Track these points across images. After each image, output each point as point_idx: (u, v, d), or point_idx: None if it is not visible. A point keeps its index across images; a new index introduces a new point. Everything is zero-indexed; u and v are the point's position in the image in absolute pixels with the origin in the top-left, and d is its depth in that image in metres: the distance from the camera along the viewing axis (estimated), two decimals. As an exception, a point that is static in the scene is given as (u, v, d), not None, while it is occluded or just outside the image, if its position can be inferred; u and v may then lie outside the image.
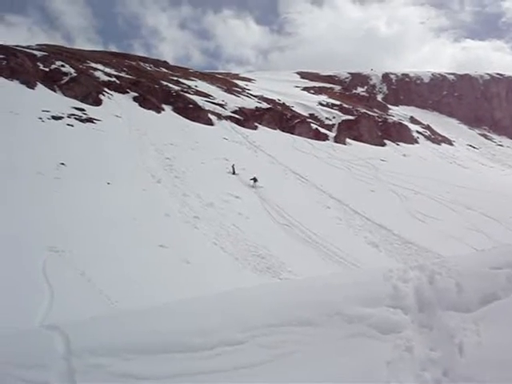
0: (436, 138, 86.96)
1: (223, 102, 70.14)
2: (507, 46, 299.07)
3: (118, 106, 57.02)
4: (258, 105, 73.16)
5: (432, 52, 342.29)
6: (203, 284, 19.13)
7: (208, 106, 66.38)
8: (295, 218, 33.10)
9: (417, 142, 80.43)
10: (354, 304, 6.59)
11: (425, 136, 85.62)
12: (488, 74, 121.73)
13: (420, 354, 5.88)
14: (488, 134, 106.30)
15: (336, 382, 5.34)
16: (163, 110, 61.67)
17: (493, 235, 33.40)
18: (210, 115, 63.86)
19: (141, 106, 60.39)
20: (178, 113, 61.84)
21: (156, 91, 66.05)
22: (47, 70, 58.90)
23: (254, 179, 39.26)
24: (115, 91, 62.08)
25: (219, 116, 65.24)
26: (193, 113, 62.36)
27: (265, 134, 63.18)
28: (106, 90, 60.84)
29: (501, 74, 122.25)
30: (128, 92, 63.15)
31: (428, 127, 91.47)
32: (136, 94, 62.88)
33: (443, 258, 8.69)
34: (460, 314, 6.47)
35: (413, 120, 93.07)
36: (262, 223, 31.76)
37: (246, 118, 66.93)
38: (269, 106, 74.24)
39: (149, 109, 60.13)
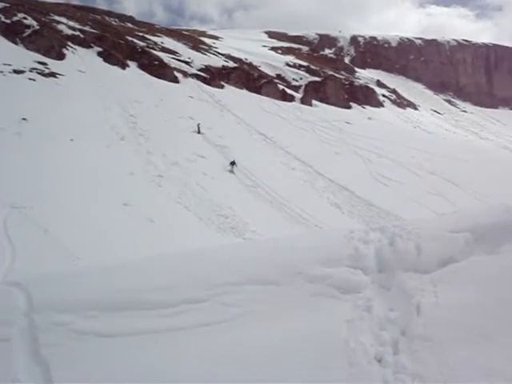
0: (401, 103, 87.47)
1: (189, 60, 69.13)
2: (472, 14, 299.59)
3: (82, 61, 55.77)
4: (225, 63, 72.35)
5: (397, 16, 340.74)
6: (167, 242, 19.16)
7: (174, 64, 65.39)
8: (260, 179, 33.18)
9: (382, 106, 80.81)
10: (316, 264, 6.65)
11: (390, 100, 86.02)
12: (455, 40, 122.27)
13: (379, 313, 6.00)
14: (453, 99, 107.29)
15: (296, 340, 5.43)
16: (128, 66, 60.54)
17: (454, 199, 34.05)
18: (175, 72, 62.97)
19: (105, 61, 59.18)
20: (143, 69, 60.81)
21: (121, 47, 64.70)
22: (9, 22, 57.07)
23: (233, 163, 35.88)
24: (79, 45, 60.63)
25: (185, 74, 64.37)
26: (158, 70, 61.39)
27: (231, 94, 62.67)
28: (69, 44, 59.37)
29: (467, 41, 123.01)
30: (92, 47, 61.73)
31: (394, 91, 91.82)
32: (100, 49, 61.53)
33: (404, 221, 8.83)
34: (419, 275, 6.60)
35: (379, 83, 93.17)
36: (227, 183, 31.79)
37: (213, 77, 66.19)
38: (236, 65, 73.48)
39: (113, 64, 58.95)
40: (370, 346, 5.35)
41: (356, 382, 4.80)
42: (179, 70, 64.34)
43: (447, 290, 6.30)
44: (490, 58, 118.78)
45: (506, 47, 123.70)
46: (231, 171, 35.12)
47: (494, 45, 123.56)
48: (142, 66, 61.49)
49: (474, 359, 5.27)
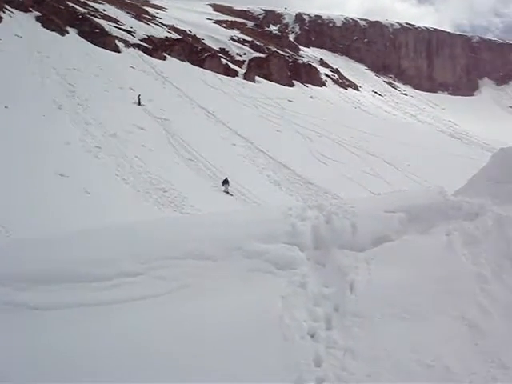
0: (343, 83, 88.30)
1: (132, 29, 67.65)
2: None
3: (20, 26, 53.76)
4: (169, 35, 71.19)
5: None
6: (103, 215, 18.86)
7: (115, 32, 63.88)
8: (200, 154, 33.00)
9: (325, 85, 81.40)
10: (253, 240, 6.67)
11: (333, 79, 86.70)
12: (398, 23, 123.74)
13: (313, 289, 6.08)
14: (394, 82, 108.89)
15: (232, 314, 5.45)
16: (68, 32, 58.78)
17: (391, 180, 34.77)
18: (117, 42, 61.59)
19: (44, 26, 57.24)
20: (83, 37, 59.15)
21: (61, 12, 62.57)
22: None
23: (226, 181, 29.17)
24: (17, 9, 58.33)
25: (127, 43, 63.04)
26: (99, 38, 59.83)
27: (174, 66, 61.82)
28: (6, 7, 57.02)
29: (410, 25, 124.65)
30: (31, 11, 59.53)
31: (337, 71, 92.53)
32: (39, 14, 59.38)
33: (341, 200, 8.95)
34: (353, 253, 6.73)
35: (322, 63, 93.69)
36: (167, 157, 31.48)
37: (155, 48, 65.08)
38: (179, 36, 72.41)
39: (52, 30, 57.10)
40: (303, 321, 5.43)
41: (289, 356, 4.84)
42: (121, 39, 62.97)
43: (380, 267, 6.45)
44: (432, 42, 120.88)
45: (448, 33, 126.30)
46: (226, 191, 29.19)
47: (436, 30, 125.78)
48: (82, 34, 59.80)
49: (402, 335, 5.42)
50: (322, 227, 7.08)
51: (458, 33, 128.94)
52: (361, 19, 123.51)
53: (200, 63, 67.00)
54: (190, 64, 66.12)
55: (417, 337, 5.44)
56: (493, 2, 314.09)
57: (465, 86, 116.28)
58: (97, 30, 61.48)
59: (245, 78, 67.67)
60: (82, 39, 58.44)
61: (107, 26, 64.17)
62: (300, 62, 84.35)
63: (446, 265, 6.55)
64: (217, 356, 4.80)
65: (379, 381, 4.78)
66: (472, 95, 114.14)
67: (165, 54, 65.22)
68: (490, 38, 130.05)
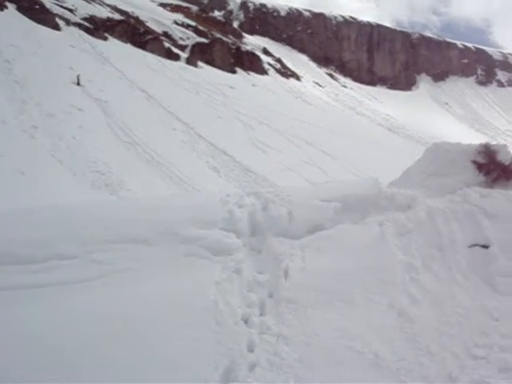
0: (285, 72, 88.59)
1: (73, 7, 65.74)
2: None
3: (-48, -3, 51.58)
4: (111, 15, 69.61)
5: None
6: (37, 196, 18.40)
7: (56, 10, 61.94)
8: (139, 137, 32.56)
9: (267, 74, 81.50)
10: (190, 225, 6.66)
11: (275, 69, 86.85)
12: (342, 16, 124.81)
13: (248, 276, 6.15)
14: (334, 74, 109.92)
15: (166, 299, 5.44)
16: (6, 7, 56.62)
17: (328, 170, 35.22)
18: (57, 19, 59.70)
19: (-21, -1, 55.05)
20: (22, 12, 57.08)
21: (-1, -15, 60.32)
22: None
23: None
24: None
25: (67, 21, 61.24)
26: (39, 14, 57.82)
27: (115, 47, 60.53)
28: None
29: (353, 18, 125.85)
30: (-34, -17, 57.11)
31: (279, 60, 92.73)
32: (-26, -14, 57.03)
33: (279, 188, 9.04)
34: (289, 240, 6.82)
35: (265, 51, 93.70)
36: (105, 139, 30.91)
37: (97, 27, 63.54)
38: (122, 17, 70.90)
39: (-11, 5, 54.96)
40: (237, 307, 5.49)
41: (222, 341, 4.89)
42: (61, 17, 61.11)
43: (315, 255, 6.57)
44: (373, 36, 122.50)
45: (389, 28, 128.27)
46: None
47: (378, 24, 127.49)
48: (21, 9, 57.64)
49: (334, 321, 5.55)
50: (258, 214, 7.15)
51: (398, 29, 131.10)
52: (305, 10, 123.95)
53: (142, 45, 65.86)
54: (131, 46, 64.90)
55: (348, 324, 5.58)
56: (431, 1, 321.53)
57: (403, 81, 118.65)
58: (37, 7, 59.39)
59: (187, 63, 66.99)
60: (21, 15, 56.36)
61: (48, 2, 62.18)
62: (243, 49, 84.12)
63: (378, 254, 6.73)
64: (149, 341, 4.80)
65: (309, 366, 4.89)
66: (410, 90, 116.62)
67: (106, 35, 63.77)
68: (429, 35, 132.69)
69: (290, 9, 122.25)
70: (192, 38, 76.32)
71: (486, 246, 7.31)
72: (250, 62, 79.94)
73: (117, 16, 70.42)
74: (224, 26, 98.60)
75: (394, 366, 5.11)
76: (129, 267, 5.94)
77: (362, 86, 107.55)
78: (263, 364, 4.79)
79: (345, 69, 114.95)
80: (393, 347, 5.38)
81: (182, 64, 65.49)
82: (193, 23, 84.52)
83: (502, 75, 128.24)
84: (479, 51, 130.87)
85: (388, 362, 5.13)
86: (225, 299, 5.49)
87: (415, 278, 6.49)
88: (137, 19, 74.78)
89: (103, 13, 69.03)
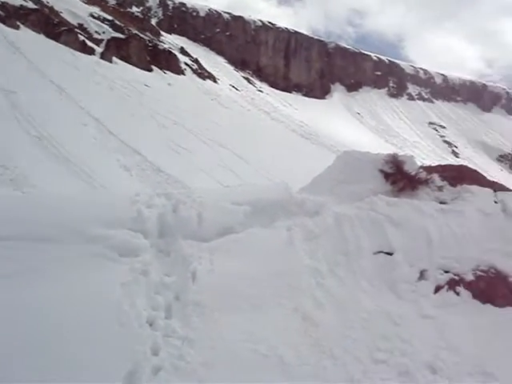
0: (202, 73, 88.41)
1: (-17, -8, 63.07)
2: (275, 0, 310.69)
3: None
4: (24, 3, 67.07)
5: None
6: None
7: (-36, -6, 59.21)
8: (48, 131, 31.53)
9: (183, 74, 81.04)
10: (97, 224, 6.45)
11: (192, 69, 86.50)
12: (261, 21, 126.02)
13: (155, 278, 6.04)
14: (251, 78, 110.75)
15: (69, 300, 5.26)
16: None
17: (241, 174, 35.41)
18: (-36, 5, 57.09)
19: None
20: None
21: None
22: None
23: None
24: None
25: (-24, 7, 58.68)
26: None
27: (27, 37, 58.35)
28: None
29: (272, 24, 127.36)
30: None
31: (196, 61, 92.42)
32: None
33: (190, 189, 8.98)
34: (198, 242, 6.76)
35: (183, 51, 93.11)
36: (11, 133, 29.72)
37: (8, 15, 61.04)
38: (36, 7, 68.48)
39: None
40: (143, 309, 5.38)
41: (126, 344, 4.79)
42: (-31, 3, 58.45)
43: (224, 258, 6.55)
44: (291, 43, 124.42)
45: (306, 36, 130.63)
46: None
47: (296, 32, 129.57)
48: None
49: (240, 325, 5.57)
50: (168, 215, 7.04)
51: (315, 37, 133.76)
52: (225, 12, 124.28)
53: (56, 37, 63.87)
54: (44, 36, 62.80)
55: (254, 328, 5.60)
56: (347, 12, 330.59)
57: (318, 89, 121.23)
58: None
59: (102, 58, 65.53)
60: None
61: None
62: (160, 47, 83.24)
63: (286, 259, 6.80)
64: (49, 344, 4.63)
65: (214, 369, 4.88)
66: (324, 98, 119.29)
67: (19, 23, 61.38)
68: (345, 45, 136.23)
69: (210, 10, 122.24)
70: (108, 33, 74.79)
71: (390, 253, 7.54)
72: (167, 61, 79.27)
73: (30, 4, 67.98)
74: (142, 22, 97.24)
75: (297, 369, 5.18)
76: (31, 267, 5.68)
77: (278, 92, 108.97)
78: (167, 368, 4.73)
79: (261, 73, 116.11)
80: (297, 351, 5.45)
81: (96, 58, 64.03)
82: (110, 17, 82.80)
83: (412, 89, 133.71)
84: (392, 64, 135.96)
85: (292, 366, 5.20)
86: (130, 301, 5.36)
87: (321, 283, 6.60)
88: (51, 9, 72.46)
89: (16, 0, 66.43)
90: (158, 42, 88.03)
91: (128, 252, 6.21)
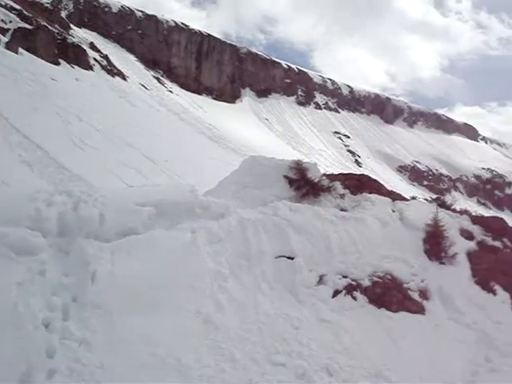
0: (111, 70, 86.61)
1: None
2: (188, 0, 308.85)
3: None
4: None
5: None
6: None
7: None
8: None
9: (92, 70, 79.09)
10: (-8, 222, 6.23)
11: (101, 65, 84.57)
12: (174, 21, 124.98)
13: (53, 278, 5.85)
14: (162, 78, 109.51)
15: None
16: None
17: (147, 174, 34.91)
18: None
19: None
20: None
21: None
22: None
23: None
24: None
25: None
26: None
27: None
28: None
29: (185, 25, 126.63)
30: None
31: (106, 57, 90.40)
32: None
33: (93, 188, 8.79)
34: (99, 243, 6.61)
35: (92, 46, 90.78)
36: None
37: None
38: None
39: None
40: (39, 310, 5.22)
41: (20, 346, 4.66)
42: None
43: (125, 260, 6.45)
44: (203, 46, 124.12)
45: (219, 39, 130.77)
46: None
47: (209, 34, 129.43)
48: None
49: (140, 327, 5.52)
50: (68, 214, 6.83)
51: (228, 41, 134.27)
52: (138, 10, 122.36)
53: (-44, 23, 60.81)
54: None
55: (154, 330, 5.57)
56: (259, 19, 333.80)
57: (228, 93, 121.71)
58: None
59: (7, 48, 62.82)
60: None
61: None
62: (69, 41, 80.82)
63: (189, 261, 6.79)
64: None
65: (111, 372, 4.81)
66: (234, 103, 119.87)
67: None
68: (256, 51, 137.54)
69: (123, 6, 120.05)
70: (15, 22, 71.82)
71: (291, 258, 7.70)
72: (76, 56, 77.10)
73: None
74: (51, 14, 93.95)
75: (196, 372, 5.20)
76: None
77: (188, 94, 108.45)
78: (63, 370, 4.64)
79: (172, 74, 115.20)
80: (197, 353, 5.47)
81: (1, 48, 61.39)
82: (18, 7, 79.63)
83: (320, 98, 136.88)
84: (301, 73, 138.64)
85: (190, 369, 5.21)
86: (26, 302, 5.18)
87: (222, 286, 6.65)
88: (-48, -6, 68.92)
89: None
90: (68, 36, 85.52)
91: (25, 251, 5.98)
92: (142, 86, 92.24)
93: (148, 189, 9.09)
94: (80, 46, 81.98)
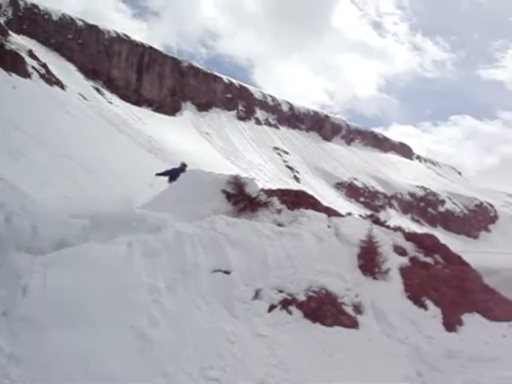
0: (50, 79, 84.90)
1: None
2: (130, 12, 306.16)
3: None
4: None
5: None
6: None
7: None
8: None
9: (30, 78, 77.32)
10: None
11: (40, 74, 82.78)
12: (116, 32, 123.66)
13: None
14: (102, 88, 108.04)
15: None
16: None
17: (84, 185, 34.28)
18: None
19: None
20: None
21: None
22: None
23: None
24: None
25: None
26: None
27: None
28: None
29: (127, 36, 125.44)
30: None
31: (45, 66, 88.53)
32: None
33: (27, 199, 8.57)
34: (31, 256, 6.46)
35: (31, 54, 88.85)
36: None
37: None
38: None
39: None
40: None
41: None
42: None
43: (58, 273, 6.31)
44: (144, 58, 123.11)
45: (160, 52, 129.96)
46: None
47: (150, 47, 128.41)
48: None
49: (72, 342, 5.42)
50: (0, 226, 6.65)
51: (170, 54, 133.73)
52: (79, 19, 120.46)
53: None
54: None
55: (86, 344, 5.48)
56: (201, 33, 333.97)
57: (169, 106, 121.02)
58: None
59: None
60: None
61: None
62: (7, 48, 78.91)
63: (124, 275, 6.70)
64: None
65: (42, 387, 4.71)
66: (174, 116, 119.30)
67: None
68: (198, 65, 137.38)
69: (63, 15, 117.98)
70: None
71: (227, 272, 7.70)
72: (13, 63, 75.25)
73: None
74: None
75: (130, 387, 5.13)
76: None
77: (128, 105, 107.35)
78: (-9, 387, 4.49)
79: (112, 85, 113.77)
80: (130, 368, 5.41)
81: None
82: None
83: (260, 113, 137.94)
84: (242, 88, 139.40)
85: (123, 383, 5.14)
86: None
87: (157, 300, 6.58)
88: None
89: None
90: (5, 42, 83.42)
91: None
92: (81, 96, 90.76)
93: (84, 200, 8.95)
94: (18, 54, 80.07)
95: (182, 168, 15.74)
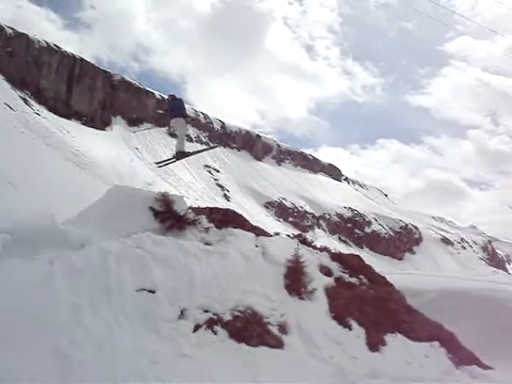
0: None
1: None
2: (61, 22, 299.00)
3: None
4: None
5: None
6: None
7: None
8: None
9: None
10: None
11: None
12: (46, 41, 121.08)
13: None
14: (29, 99, 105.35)
15: None
16: None
17: (6, 199, 33.27)
18: None
19: None
20: None
21: None
22: None
23: None
24: None
25: None
26: None
27: None
28: None
29: (57, 46, 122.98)
30: None
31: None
32: None
33: None
34: None
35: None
36: None
37: None
38: None
39: None
40: None
41: None
42: None
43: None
44: (75, 69, 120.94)
45: (92, 64, 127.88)
46: None
47: (82, 58, 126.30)
48: None
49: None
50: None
51: (102, 67, 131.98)
52: (8, 27, 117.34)
53: None
54: None
55: (5, 367, 5.29)
56: (133, 47, 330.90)
57: (99, 120, 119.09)
58: None
59: None
60: None
61: None
62: None
63: (44, 294, 6.51)
64: None
65: None
66: (104, 130, 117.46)
67: None
68: (130, 80, 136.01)
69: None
70: None
71: (152, 291, 7.56)
72: None
73: None
74: None
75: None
76: None
77: (56, 117, 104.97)
78: None
79: (41, 96, 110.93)
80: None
81: None
82: None
83: (191, 131, 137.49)
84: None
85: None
86: None
87: (79, 320, 6.41)
88: None
89: None
90: None
91: None
92: (7, 105, 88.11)
93: (3, 214, 8.59)
94: None
95: (181, 99, 15.96)
